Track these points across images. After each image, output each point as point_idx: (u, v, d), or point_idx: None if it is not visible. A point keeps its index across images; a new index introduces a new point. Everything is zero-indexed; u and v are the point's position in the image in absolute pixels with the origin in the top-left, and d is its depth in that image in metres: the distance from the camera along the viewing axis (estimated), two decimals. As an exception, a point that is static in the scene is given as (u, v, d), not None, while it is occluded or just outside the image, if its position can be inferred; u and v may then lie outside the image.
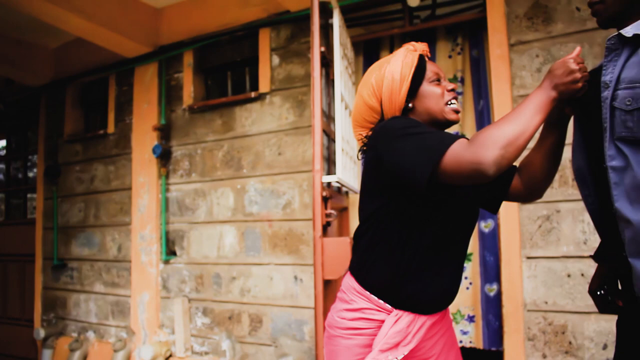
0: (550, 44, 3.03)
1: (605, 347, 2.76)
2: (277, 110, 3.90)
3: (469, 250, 3.40)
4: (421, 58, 1.54)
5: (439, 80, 1.54)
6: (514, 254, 3.01)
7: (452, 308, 3.39)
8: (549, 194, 2.94)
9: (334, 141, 3.34)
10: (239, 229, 4.01)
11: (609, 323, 2.76)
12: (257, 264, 3.90)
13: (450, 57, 3.55)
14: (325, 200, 2.89)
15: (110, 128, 4.77)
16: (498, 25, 3.17)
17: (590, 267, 2.81)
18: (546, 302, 2.92)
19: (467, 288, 3.37)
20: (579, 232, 2.86)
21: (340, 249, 2.72)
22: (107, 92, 4.88)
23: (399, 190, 1.40)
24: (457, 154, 1.23)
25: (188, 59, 4.37)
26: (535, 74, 3.06)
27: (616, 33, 1.27)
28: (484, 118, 3.39)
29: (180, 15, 4.40)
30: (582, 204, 2.82)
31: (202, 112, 4.26)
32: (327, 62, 3.14)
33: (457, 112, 1.51)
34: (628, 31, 1.23)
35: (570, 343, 2.85)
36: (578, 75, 1.29)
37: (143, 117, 4.49)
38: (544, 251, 2.94)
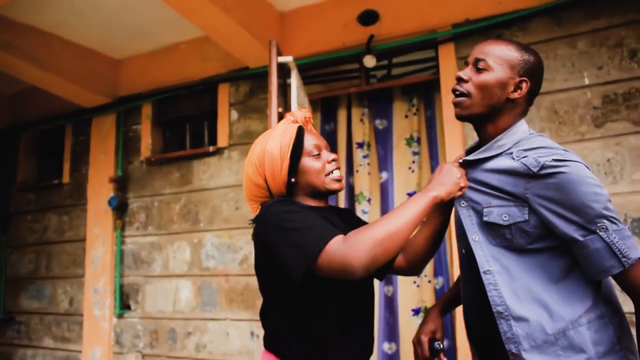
0: (499, 108, 3.16)
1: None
2: (235, 165, 3.91)
3: (428, 304, 3.45)
4: (300, 131, 1.56)
5: (318, 153, 1.56)
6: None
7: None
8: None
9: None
10: (195, 284, 3.96)
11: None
12: (213, 319, 3.85)
13: (406, 117, 3.65)
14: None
15: (65, 178, 4.70)
16: (451, 88, 3.28)
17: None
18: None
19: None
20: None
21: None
22: (63, 141, 4.82)
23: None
24: (330, 253, 1.26)
25: (147, 111, 4.37)
26: (485, 136, 3.17)
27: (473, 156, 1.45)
28: (437, 176, 3.48)
29: (140, 68, 4.42)
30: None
31: (159, 165, 4.25)
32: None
33: (339, 180, 1.56)
34: (485, 154, 1.43)
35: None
36: (461, 184, 1.41)
37: (99, 168, 4.44)
38: (496, 309, 3.00)
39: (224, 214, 3.91)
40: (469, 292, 1.51)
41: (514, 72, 1.39)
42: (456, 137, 3.24)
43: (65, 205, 4.69)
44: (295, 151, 1.52)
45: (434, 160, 3.50)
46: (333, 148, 3.80)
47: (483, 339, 1.49)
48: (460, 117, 1.46)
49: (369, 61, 3.52)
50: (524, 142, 1.39)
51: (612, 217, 1.25)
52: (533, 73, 1.41)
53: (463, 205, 1.45)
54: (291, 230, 1.34)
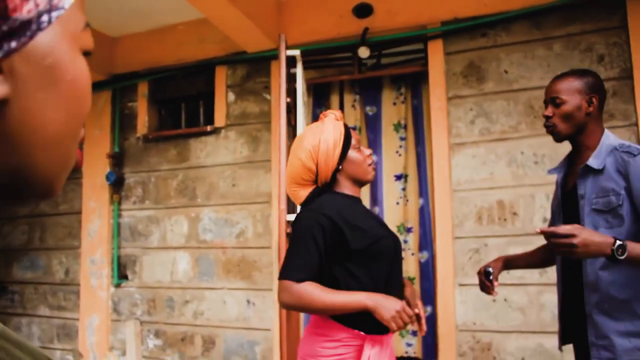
0: (482, 100, 3.51)
1: (524, 361, 3.25)
2: (232, 145, 4.15)
3: (412, 275, 3.82)
4: (346, 127, 1.95)
5: (359, 147, 1.96)
6: (449, 281, 3.45)
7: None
8: (478, 230, 3.41)
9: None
10: (192, 255, 4.21)
11: (526, 340, 3.25)
12: (211, 289, 4.12)
13: (394, 104, 3.97)
14: (288, 236, 3.20)
15: (58, 152, 4.80)
16: (438, 81, 3.62)
17: (513, 295, 3.30)
18: (475, 323, 3.38)
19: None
20: (504, 264, 3.34)
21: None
22: (55, 115, 4.90)
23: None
24: (283, 286, 1.79)
25: (143, 89, 4.52)
26: (469, 125, 3.53)
27: (584, 165, 1.90)
28: (421, 161, 3.83)
29: (136, 46, 4.55)
30: (506, 239, 3.32)
31: (156, 142, 4.43)
32: (289, 109, 3.45)
33: (374, 170, 2.00)
34: (592, 164, 1.87)
35: (494, 358, 3.32)
36: (394, 323, 1.74)
37: (95, 144, 4.58)
38: (474, 279, 3.39)
39: (221, 190, 4.16)
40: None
41: (582, 95, 1.90)
42: (442, 125, 3.57)
43: (58, 178, 4.81)
44: (345, 144, 1.90)
45: (420, 146, 3.85)
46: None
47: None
48: (557, 141, 1.99)
49: (363, 52, 3.80)
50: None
51: None
52: (596, 87, 1.92)
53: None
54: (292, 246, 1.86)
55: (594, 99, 1.90)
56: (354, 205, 1.93)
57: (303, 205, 1.97)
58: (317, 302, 1.75)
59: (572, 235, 1.61)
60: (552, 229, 1.65)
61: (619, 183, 1.80)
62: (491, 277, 2.12)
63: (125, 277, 4.44)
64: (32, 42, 0.41)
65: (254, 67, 4.16)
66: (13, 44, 0.40)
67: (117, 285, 4.44)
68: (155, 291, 4.32)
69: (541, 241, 3.18)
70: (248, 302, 4.00)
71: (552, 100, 1.95)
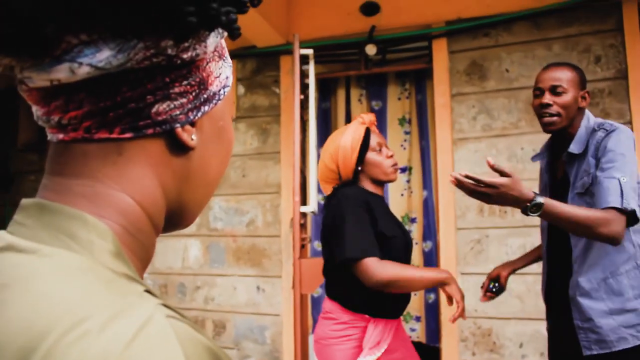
0: (484, 97, 3.68)
1: (521, 345, 3.47)
2: (242, 136, 4.30)
3: (416, 263, 4.02)
4: (367, 131, 2.10)
5: (380, 149, 2.10)
6: (451, 270, 3.64)
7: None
8: (480, 222, 3.60)
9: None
10: (203, 243, 4.38)
11: (524, 327, 3.47)
12: (221, 275, 4.30)
13: (399, 99, 4.14)
14: (302, 226, 3.38)
15: (70, 141, 4.91)
16: (442, 78, 3.78)
17: (511, 283, 3.50)
18: (476, 310, 3.58)
19: (415, 294, 4.00)
20: (503, 253, 3.54)
21: (315, 268, 3.22)
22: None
23: None
24: (367, 264, 1.87)
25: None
26: (471, 121, 3.70)
27: (567, 152, 1.93)
28: (425, 155, 4.00)
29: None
30: (506, 231, 3.51)
31: (167, 133, 4.56)
32: (302, 105, 3.60)
33: (395, 171, 2.13)
34: (573, 149, 1.90)
35: (494, 343, 3.54)
36: (458, 297, 1.94)
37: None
38: (475, 268, 3.60)
39: (232, 181, 4.32)
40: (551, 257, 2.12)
41: (578, 89, 1.89)
42: (445, 121, 3.74)
43: (69, 167, 4.93)
44: (363, 147, 2.07)
45: (424, 140, 4.02)
46: (330, 125, 4.27)
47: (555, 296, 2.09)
48: (552, 132, 1.94)
49: (371, 50, 3.94)
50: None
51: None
52: (586, 83, 1.93)
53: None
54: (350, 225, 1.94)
55: (586, 94, 1.90)
56: (376, 199, 2.09)
57: (327, 198, 2.18)
58: (407, 276, 1.89)
59: (494, 187, 1.61)
60: (480, 177, 1.65)
61: (592, 162, 1.80)
62: (493, 289, 2.26)
63: (138, 264, 4.59)
64: (214, 108, 0.58)
65: (263, 61, 4.29)
66: (206, 108, 0.56)
67: (130, 271, 4.59)
68: (167, 277, 4.49)
69: (538, 233, 3.41)
70: (258, 288, 4.18)
71: (552, 88, 1.87)
